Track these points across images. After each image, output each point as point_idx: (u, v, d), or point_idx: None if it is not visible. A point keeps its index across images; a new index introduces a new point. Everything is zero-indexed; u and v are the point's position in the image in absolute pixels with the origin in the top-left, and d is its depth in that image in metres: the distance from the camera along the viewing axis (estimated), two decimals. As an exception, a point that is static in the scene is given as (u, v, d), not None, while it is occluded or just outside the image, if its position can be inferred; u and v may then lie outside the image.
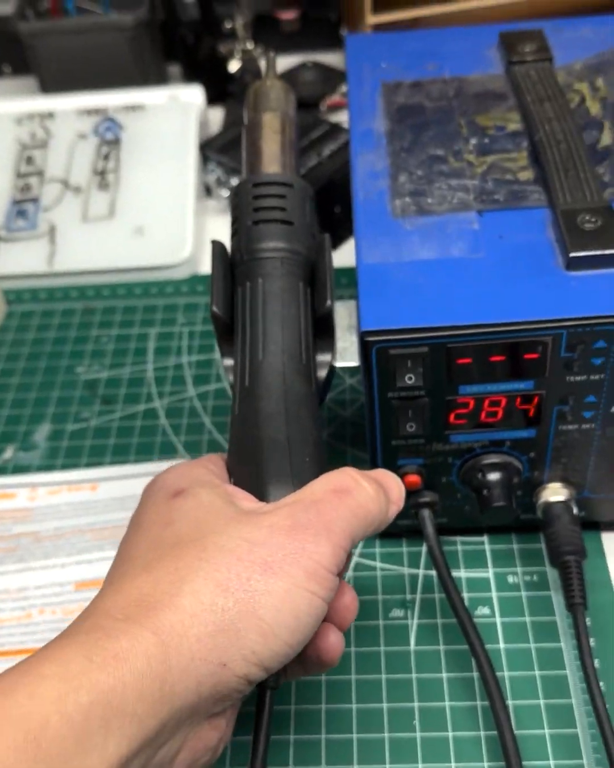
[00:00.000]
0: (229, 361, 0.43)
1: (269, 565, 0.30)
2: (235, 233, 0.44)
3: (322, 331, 0.44)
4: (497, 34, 0.59)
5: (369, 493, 0.34)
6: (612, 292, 0.40)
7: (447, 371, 0.41)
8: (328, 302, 0.43)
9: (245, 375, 0.40)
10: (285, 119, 0.47)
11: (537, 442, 0.45)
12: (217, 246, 0.45)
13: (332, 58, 0.97)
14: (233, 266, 0.44)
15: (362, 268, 0.43)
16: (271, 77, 0.49)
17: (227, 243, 0.46)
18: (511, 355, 0.41)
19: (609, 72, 0.54)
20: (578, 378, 0.42)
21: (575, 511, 0.47)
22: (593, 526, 0.50)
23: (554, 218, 0.44)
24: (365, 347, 0.41)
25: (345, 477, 0.34)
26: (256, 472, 0.36)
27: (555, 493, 0.47)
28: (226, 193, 0.77)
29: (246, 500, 0.34)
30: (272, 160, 0.45)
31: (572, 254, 0.41)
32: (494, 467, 0.45)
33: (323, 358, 0.44)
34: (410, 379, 0.41)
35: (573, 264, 0.41)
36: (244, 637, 0.29)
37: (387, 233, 0.45)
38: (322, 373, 0.44)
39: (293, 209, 0.44)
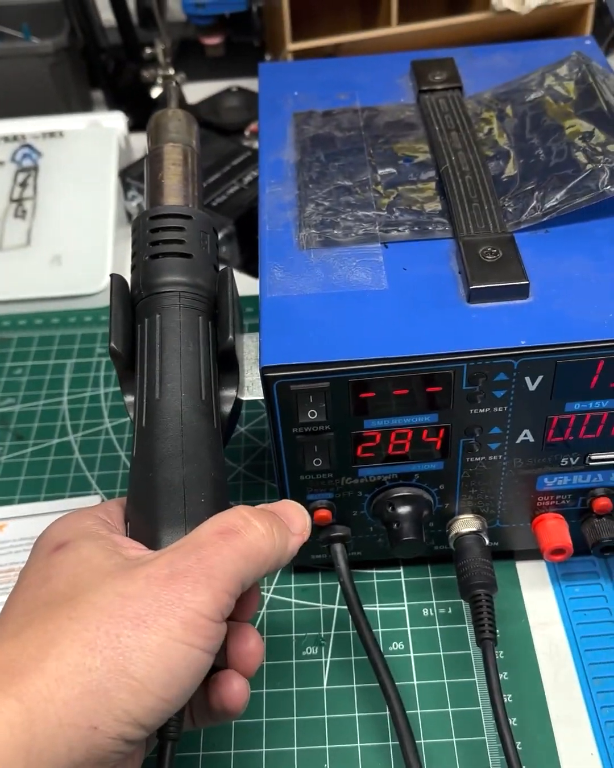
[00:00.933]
0: (130, 398, 0.42)
1: (141, 618, 0.28)
2: (133, 268, 0.43)
3: (227, 366, 0.43)
4: (409, 63, 0.60)
5: (259, 531, 0.33)
6: (512, 325, 0.40)
7: (350, 405, 0.41)
8: (230, 337, 0.42)
9: (143, 415, 0.39)
10: (186, 150, 0.46)
11: (446, 474, 0.44)
12: (115, 280, 0.44)
13: (255, 84, 0.97)
14: (133, 301, 0.43)
15: (265, 302, 0.43)
16: (174, 107, 0.48)
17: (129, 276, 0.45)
18: (415, 388, 0.40)
19: (518, 100, 0.54)
20: (482, 410, 0.41)
21: (487, 542, 0.46)
22: (507, 555, 0.50)
23: (457, 250, 0.44)
24: (266, 383, 0.40)
25: (232, 517, 0.33)
26: (148, 518, 0.35)
27: (466, 524, 0.46)
28: (147, 220, 0.76)
29: (133, 549, 0.33)
30: (172, 192, 0.45)
31: (472, 286, 0.41)
32: (404, 500, 0.45)
33: (228, 393, 0.43)
34: (313, 414, 0.41)
35: (474, 296, 0.41)
36: (114, 696, 0.27)
37: (291, 266, 0.45)
38: (227, 408, 0.43)
39: (192, 242, 0.43)
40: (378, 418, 0.42)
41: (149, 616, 0.29)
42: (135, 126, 0.88)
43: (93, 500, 0.55)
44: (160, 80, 0.86)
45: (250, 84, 0.95)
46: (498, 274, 0.41)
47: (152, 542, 0.34)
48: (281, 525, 0.35)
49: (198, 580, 0.30)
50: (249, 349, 0.46)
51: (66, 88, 0.90)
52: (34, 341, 0.68)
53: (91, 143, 0.78)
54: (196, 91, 0.92)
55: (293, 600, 0.49)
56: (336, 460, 0.43)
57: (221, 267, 0.45)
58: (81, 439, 0.60)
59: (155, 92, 0.86)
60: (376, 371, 0.39)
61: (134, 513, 0.37)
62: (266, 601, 0.49)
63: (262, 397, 0.43)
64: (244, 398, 0.44)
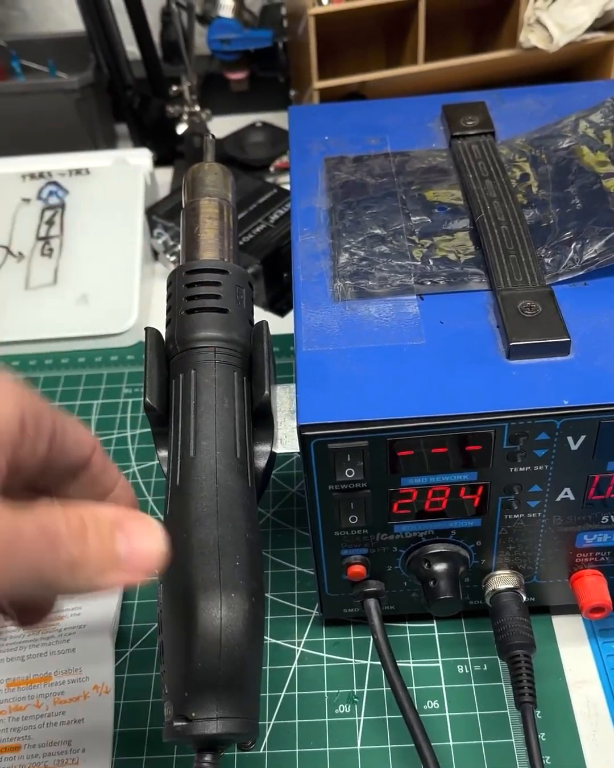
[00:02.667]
0: (163, 453, 0.42)
1: None
2: (169, 322, 0.43)
3: (261, 420, 0.43)
4: (440, 106, 0.59)
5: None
6: (554, 383, 0.39)
7: (388, 464, 0.40)
8: (266, 392, 0.42)
9: (177, 473, 0.38)
10: (223, 204, 0.46)
11: (483, 531, 0.44)
12: (151, 334, 0.43)
13: (281, 118, 0.97)
14: (168, 356, 0.43)
15: (300, 357, 0.42)
16: (210, 160, 0.48)
17: (164, 328, 0.44)
18: (454, 447, 0.40)
19: (551, 147, 0.54)
20: (522, 469, 0.41)
21: (524, 598, 0.46)
22: (543, 610, 0.49)
23: (495, 303, 0.43)
24: (303, 441, 0.39)
25: (54, 514, 0.28)
26: (183, 581, 0.35)
27: (503, 580, 0.46)
28: (173, 257, 0.76)
29: None
30: (208, 246, 0.44)
31: (512, 343, 0.40)
32: (440, 557, 0.44)
33: (262, 448, 0.43)
34: (350, 472, 0.40)
35: (513, 353, 0.40)
36: None
37: (326, 318, 0.44)
38: (261, 463, 0.42)
39: (228, 297, 0.43)
40: (415, 475, 0.41)
41: None
42: (160, 161, 0.88)
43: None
44: (185, 116, 0.86)
45: (275, 118, 0.96)
46: (538, 331, 0.41)
47: (192, 605, 0.34)
48: (99, 539, 0.28)
49: None
50: (282, 400, 0.45)
51: (91, 123, 0.90)
52: (60, 381, 0.68)
53: (117, 180, 0.78)
54: (221, 126, 0.92)
55: (325, 654, 0.49)
56: (372, 516, 0.43)
57: (256, 321, 0.45)
58: (108, 483, 0.60)
59: (180, 128, 0.86)
60: (416, 431, 0.39)
61: (168, 576, 0.36)
62: (297, 655, 0.49)
63: (297, 450, 0.43)
64: (278, 451, 0.43)
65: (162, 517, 0.48)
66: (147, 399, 0.41)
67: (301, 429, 0.39)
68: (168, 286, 0.44)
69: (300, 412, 0.39)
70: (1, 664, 0.48)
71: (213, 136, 0.49)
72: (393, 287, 0.45)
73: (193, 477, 0.38)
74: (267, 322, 0.44)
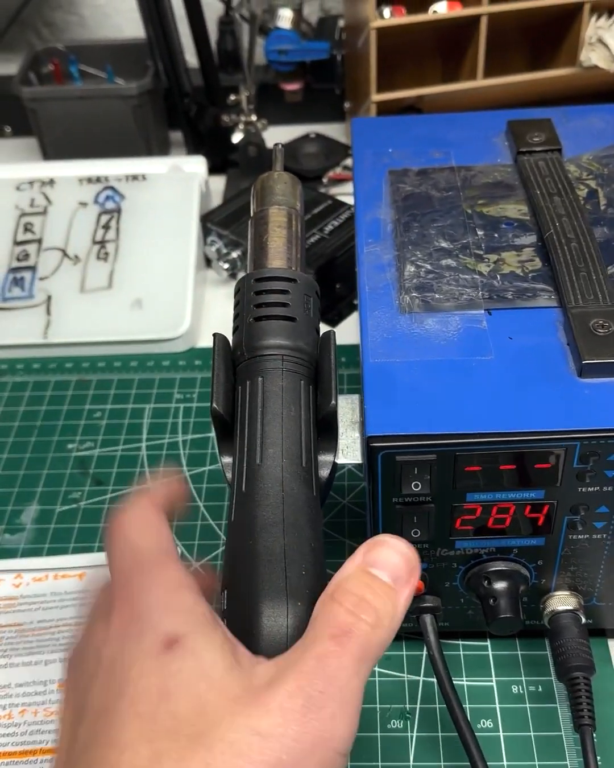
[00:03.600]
0: (227, 459, 0.42)
1: (283, 763, 0.26)
2: (236, 329, 0.43)
3: (325, 430, 0.43)
4: (504, 122, 0.59)
5: (369, 622, 0.30)
6: (627, 403, 0.39)
7: (454, 478, 0.40)
8: (332, 402, 0.41)
9: (242, 479, 0.38)
10: (291, 213, 0.46)
11: (546, 551, 0.43)
12: (218, 339, 0.43)
13: (334, 130, 0.98)
14: (234, 363, 0.43)
15: (368, 368, 0.42)
16: (279, 170, 0.48)
17: (227, 332, 0.44)
18: (522, 464, 0.39)
19: (618, 165, 0.53)
20: (591, 489, 0.40)
21: (583, 620, 0.45)
22: (600, 633, 0.49)
23: (565, 320, 0.43)
24: (371, 453, 0.39)
25: (339, 614, 0.30)
26: (248, 588, 0.35)
27: (562, 601, 0.45)
28: (226, 265, 0.76)
29: (245, 655, 0.30)
30: (276, 255, 0.44)
31: (585, 361, 0.40)
32: (500, 575, 0.44)
33: (325, 458, 0.43)
34: (416, 486, 0.40)
35: (586, 371, 0.40)
36: None
37: (393, 330, 0.44)
38: (324, 473, 0.42)
39: (296, 305, 0.43)
40: (481, 491, 0.41)
41: (291, 760, 0.26)
42: (213, 169, 0.88)
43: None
44: (241, 125, 0.86)
45: (328, 130, 0.96)
46: (610, 349, 0.40)
47: (251, 615, 0.34)
48: (385, 590, 0.32)
49: (335, 711, 0.27)
50: (344, 411, 0.45)
51: (146, 129, 0.91)
52: (113, 384, 0.68)
53: (172, 187, 0.78)
54: (274, 136, 0.92)
55: (377, 668, 0.48)
56: (434, 531, 0.42)
57: (323, 330, 0.45)
58: (160, 488, 0.60)
59: (236, 137, 0.86)
60: (485, 446, 0.38)
61: (232, 583, 0.36)
62: (348, 668, 0.48)
63: (360, 461, 0.43)
64: (340, 462, 0.43)
65: (222, 522, 0.48)
66: (214, 404, 0.41)
67: (369, 440, 0.39)
68: (236, 294, 0.44)
69: (368, 424, 0.39)
70: (53, 665, 0.48)
71: (281, 145, 0.49)
72: (461, 301, 0.45)
73: (258, 484, 0.38)
74: (334, 333, 0.44)
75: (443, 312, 0.45)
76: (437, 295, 0.46)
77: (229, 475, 0.41)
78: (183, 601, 0.31)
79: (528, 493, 0.41)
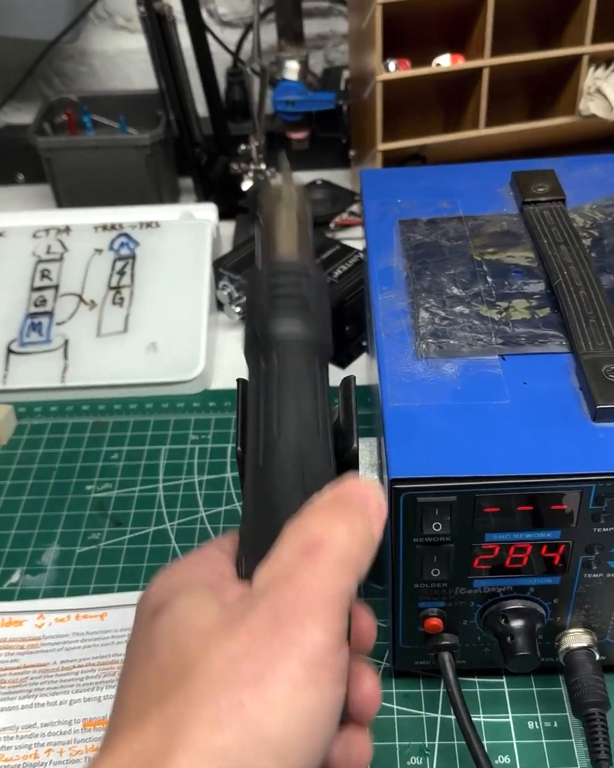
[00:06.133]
0: None
1: (260, 676, 0.26)
2: (248, 320, 0.43)
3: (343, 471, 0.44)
4: (509, 172, 0.61)
5: (342, 533, 0.30)
6: (639, 446, 0.40)
7: (473, 519, 0.41)
8: (354, 445, 0.43)
9: (259, 454, 0.38)
10: (301, 215, 0.46)
11: (562, 589, 0.45)
12: (241, 384, 0.45)
13: (340, 176, 1.00)
14: (246, 351, 0.43)
15: (388, 412, 0.44)
16: (286, 176, 0.49)
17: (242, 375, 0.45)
18: (538, 505, 0.41)
19: (621, 215, 0.56)
20: (606, 529, 0.42)
21: (597, 657, 0.46)
22: (613, 668, 0.50)
23: (577, 366, 0.45)
24: (393, 494, 0.41)
25: (313, 525, 0.31)
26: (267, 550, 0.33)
27: (577, 639, 0.46)
28: (237, 308, 0.78)
29: (229, 592, 0.31)
30: (289, 249, 0.44)
31: (599, 406, 0.41)
32: (517, 614, 0.45)
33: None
34: (437, 526, 0.41)
35: (599, 415, 0.42)
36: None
37: (411, 375, 0.46)
38: None
39: (309, 295, 0.42)
40: (499, 532, 0.42)
41: (266, 671, 0.27)
42: (223, 214, 0.91)
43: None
44: (250, 174, 0.89)
45: (334, 176, 0.99)
46: (622, 394, 0.42)
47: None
48: (361, 513, 0.32)
49: (303, 619, 0.27)
50: (363, 454, 0.47)
51: (158, 177, 0.93)
52: (129, 426, 0.70)
53: (185, 234, 0.81)
54: (281, 182, 0.95)
55: (395, 706, 0.49)
56: (453, 570, 0.44)
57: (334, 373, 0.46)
58: (177, 528, 0.61)
59: (245, 185, 0.89)
60: (504, 488, 0.40)
61: (251, 548, 0.35)
62: (368, 706, 0.49)
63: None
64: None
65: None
66: (239, 448, 0.43)
67: (392, 482, 0.40)
68: (247, 290, 0.45)
69: (391, 466, 0.41)
70: (78, 704, 0.49)
71: (285, 151, 0.50)
72: (475, 347, 0.47)
73: (277, 457, 0.37)
74: (354, 377, 0.46)
75: (458, 357, 0.47)
76: (452, 341, 0.47)
77: (242, 450, 0.42)
78: (176, 574, 0.33)
79: (545, 533, 0.42)
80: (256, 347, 0.41)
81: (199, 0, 1.00)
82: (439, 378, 0.45)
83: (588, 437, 0.41)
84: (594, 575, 0.44)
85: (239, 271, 0.78)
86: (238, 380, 0.45)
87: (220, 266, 0.79)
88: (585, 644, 0.46)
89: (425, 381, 0.45)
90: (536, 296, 0.50)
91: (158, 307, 0.75)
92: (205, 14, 1.04)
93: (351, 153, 0.97)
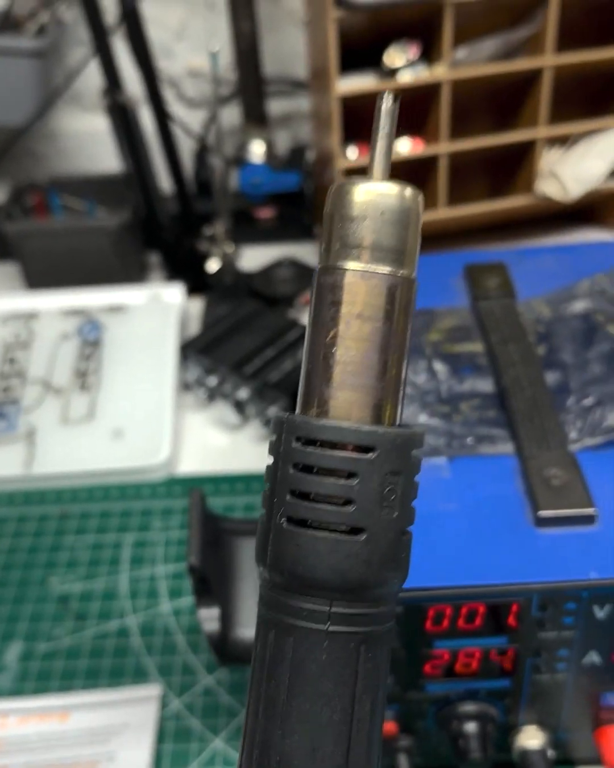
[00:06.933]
0: (205, 613, 0.44)
1: None
2: (262, 521, 0.28)
3: None
4: (461, 264, 0.63)
5: None
6: (581, 553, 0.41)
7: (422, 627, 0.42)
8: None
9: None
10: (394, 287, 0.27)
11: (512, 691, 0.45)
12: (196, 495, 0.46)
13: (306, 250, 1.02)
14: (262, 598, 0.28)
15: (338, 520, 0.45)
16: (379, 174, 0.27)
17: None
18: (486, 614, 0.42)
19: (568, 309, 0.57)
20: (550, 634, 0.42)
21: (550, 754, 0.47)
22: (568, 763, 0.50)
23: (522, 469, 0.46)
24: (342, 606, 0.41)
25: None
26: None
27: (530, 736, 0.47)
28: (204, 391, 0.79)
29: None
30: (349, 387, 0.27)
31: (540, 513, 0.43)
32: (470, 716, 0.46)
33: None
34: (386, 636, 0.42)
35: (541, 522, 0.43)
36: None
37: (362, 480, 0.47)
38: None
39: (367, 500, 0.27)
40: (448, 639, 0.43)
41: None
42: (191, 290, 0.92)
43: (152, 690, 0.56)
44: (216, 254, 0.91)
45: (298, 250, 1.01)
46: (564, 500, 0.43)
47: None
48: None
49: None
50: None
51: (125, 258, 0.95)
52: (94, 515, 0.70)
53: (152, 317, 0.82)
54: (247, 258, 0.97)
55: (355, 807, 0.49)
56: (404, 675, 0.44)
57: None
58: (141, 623, 0.61)
59: (212, 265, 0.90)
60: (449, 599, 0.41)
61: None
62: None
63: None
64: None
65: (197, 658, 0.46)
66: (191, 559, 0.43)
67: (340, 595, 0.41)
68: (270, 449, 0.28)
69: (339, 578, 0.42)
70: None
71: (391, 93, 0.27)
72: (423, 449, 0.48)
73: None
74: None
75: (408, 460, 0.48)
76: (402, 444, 0.48)
77: (205, 627, 0.43)
78: None
79: (493, 639, 0.43)
80: (267, 587, 0.27)
81: (166, 82, 1.04)
82: (389, 482, 0.46)
83: (531, 545, 0.42)
84: (543, 677, 0.44)
85: (207, 355, 0.80)
86: (192, 491, 0.46)
87: (188, 349, 0.80)
88: (538, 743, 0.47)
89: (375, 485, 0.46)
90: (484, 395, 0.52)
91: (124, 392, 0.77)
92: (173, 96, 1.07)
93: (316, 229, 0.99)
